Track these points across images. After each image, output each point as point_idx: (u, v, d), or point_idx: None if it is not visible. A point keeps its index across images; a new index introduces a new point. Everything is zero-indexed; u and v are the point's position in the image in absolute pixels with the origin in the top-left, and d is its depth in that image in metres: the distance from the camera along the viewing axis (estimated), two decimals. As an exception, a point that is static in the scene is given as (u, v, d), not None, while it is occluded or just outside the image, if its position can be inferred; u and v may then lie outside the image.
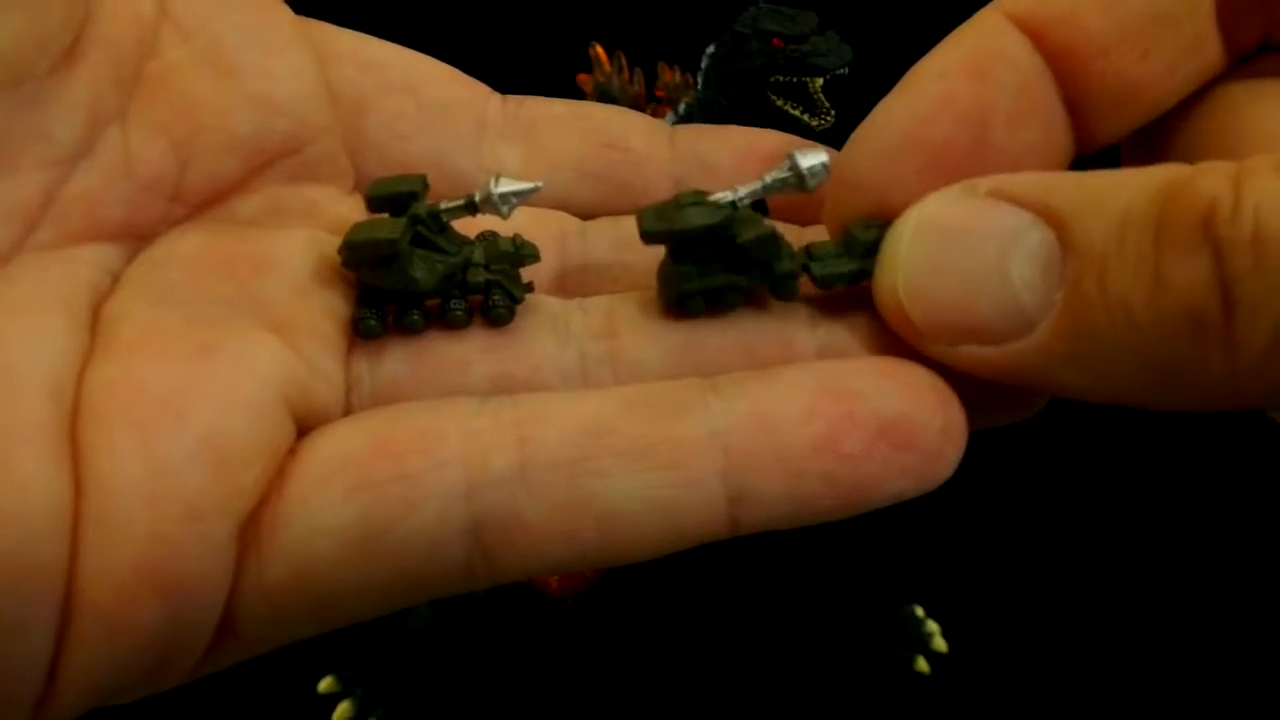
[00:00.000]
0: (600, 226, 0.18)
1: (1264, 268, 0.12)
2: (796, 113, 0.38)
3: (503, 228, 0.17)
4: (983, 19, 0.16)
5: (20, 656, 0.13)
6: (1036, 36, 0.15)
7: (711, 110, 0.40)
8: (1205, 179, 0.13)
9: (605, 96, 0.44)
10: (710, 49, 0.40)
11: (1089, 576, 0.41)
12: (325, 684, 0.38)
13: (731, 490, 0.14)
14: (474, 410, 0.14)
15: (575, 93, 0.44)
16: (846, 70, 0.38)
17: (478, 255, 0.16)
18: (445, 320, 0.16)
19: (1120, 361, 0.13)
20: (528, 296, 0.16)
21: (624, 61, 0.44)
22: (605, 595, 0.39)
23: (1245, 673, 0.38)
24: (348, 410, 0.15)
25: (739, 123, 0.42)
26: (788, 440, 0.14)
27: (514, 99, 0.19)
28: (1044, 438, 0.44)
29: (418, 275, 0.15)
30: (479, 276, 0.16)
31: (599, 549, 0.14)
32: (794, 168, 0.16)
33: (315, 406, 0.14)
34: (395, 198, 0.16)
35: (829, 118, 0.38)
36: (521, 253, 0.16)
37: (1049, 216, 0.14)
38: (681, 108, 0.42)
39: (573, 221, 0.18)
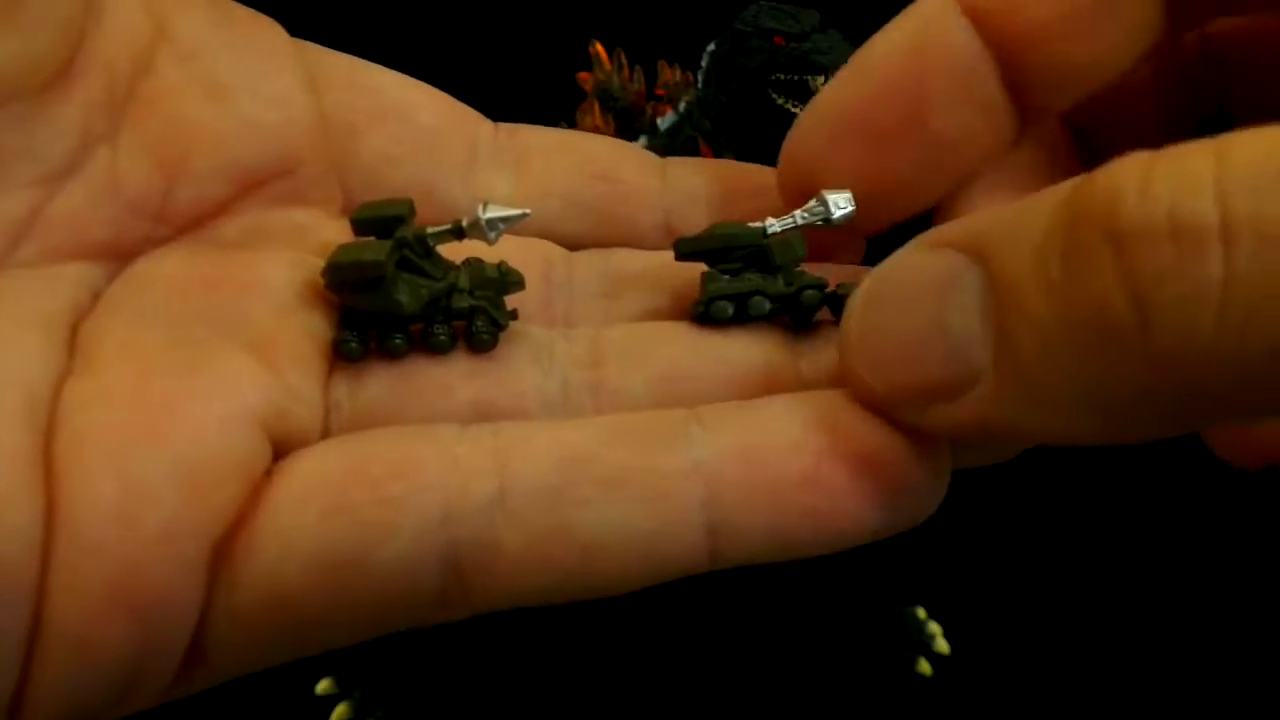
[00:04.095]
0: (587, 257, 0.18)
1: (1187, 260, 0.11)
2: (797, 111, 0.38)
3: (488, 254, 0.17)
4: (928, 2, 0.16)
5: None
6: (979, 21, 0.15)
7: (712, 108, 0.40)
8: (1107, 172, 0.12)
9: (605, 94, 0.43)
10: (711, 47, 0.40)
11: (1091, 578, 0.40)
12: (323, 685, 0.38)
13: (712, 523, 0.14)
14: (454, 437, 0.14)
15: (575, 91, 0.44)
16: (847, 68, 0.37)
17: (462, 281, 0.16)
18: (428, 345, 0.16)
19: (1056, 396, 0.13)
20: (511, 324, 0.16)
21: (624, 59, 0.44)
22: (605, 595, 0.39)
23: (1245, 673, 0.38)
24: (326, 433, 0.15)
25: (740, 120, 0.43)
26: (772, 473, 0.14)
27: (506, 127, 0.19)
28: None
29: (402, 299, 0.15)
30: (463, 302, 0.16)
31: (577, 579, 0.14)
32: (823, 206, 0.16)
33: (292, 429, 0.14)
34: (381, 221, 0.16)
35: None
36: (507, 280, 0.16)
37: (976, 254, 0.13)
38: (682, 105, 0.42)
39: (559, 251, 0.18)
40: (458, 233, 0.16)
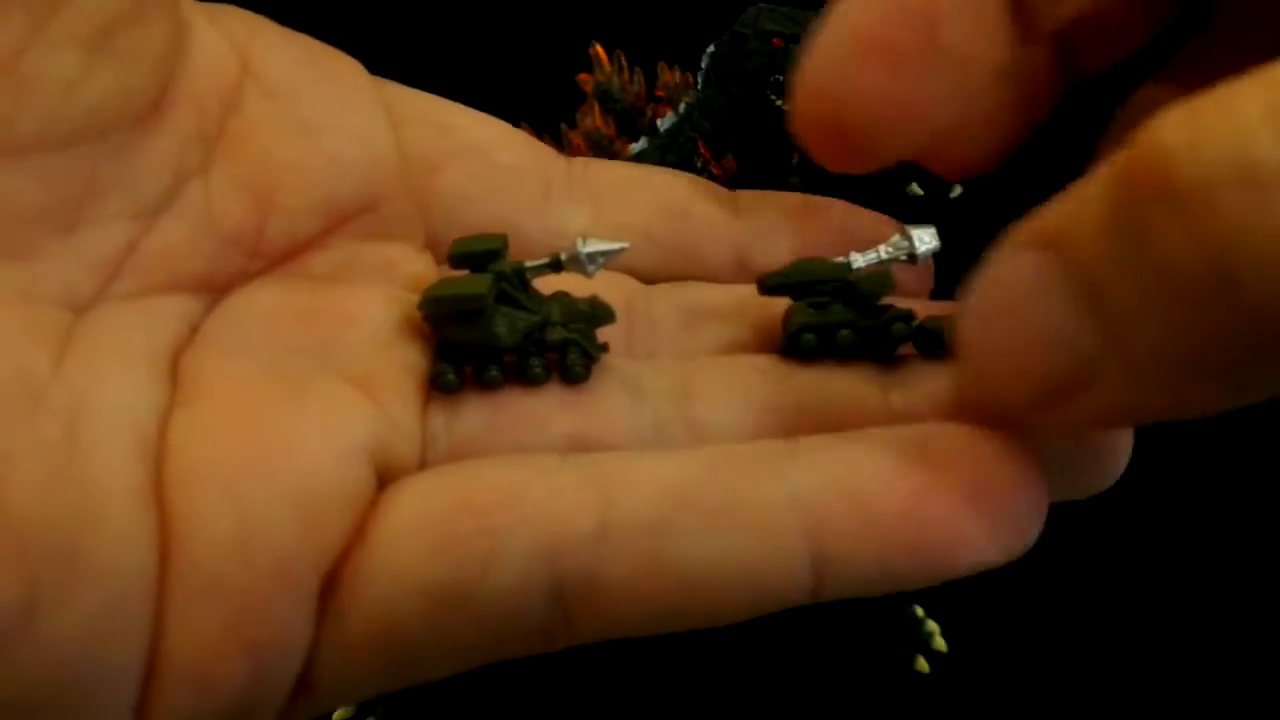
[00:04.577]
0: (665, 291, 0.19)
1: (1252, 205, 0.10)
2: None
3: (574, 288, 0.17)
4: None
5: (104, 717, 0.13)
6: None
7: (711, 109, 0.40)
8: (1154, 132, 0.11)
9: (606, 96, 0.44)
10: (710, 48, 0.40)
11: (1089, 576, 0.41)
12: (325, 683, 0.38)
13: (817, 555, 0.14)
14: (555, 467, 0.14)
15: (576, 92, 0.44)
16: (846, 70, 0.38)
17: (556, 314, 0.16)
18: (524, 377, 0.16)
19: (1167, 371, 0.12)
20: (602, 356, 0.16)
21: (624, 61, 0.44)
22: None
23: (1245, 673, 0.38)
24: (423, 465, 0.15)
25: (740, 122, 0.43)
26: (873, 505, 0.14)
27: (579, 162, 0.20)
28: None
29: (500, 331, 0.16)
30: (557, 335, 0.16)
31: (680, 612, 0.14)
32: (908, 242, 0.17)
33: (394, 461, 0.14)
34: (477, 255, 0.16)
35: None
36: (598, 313, 0.16)
37: (1053, 249, 0.13)
38: (682, 107, 0.42)
39: (637, 285, 0.19)
40: (555, 266, 0.16)
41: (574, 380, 0.16)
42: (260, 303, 0.16)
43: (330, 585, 0.14)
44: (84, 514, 0.12)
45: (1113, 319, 0.12)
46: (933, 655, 0.40)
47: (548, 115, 0.45)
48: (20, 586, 0.12)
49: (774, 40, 0.38)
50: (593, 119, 0.45)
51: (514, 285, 0.16)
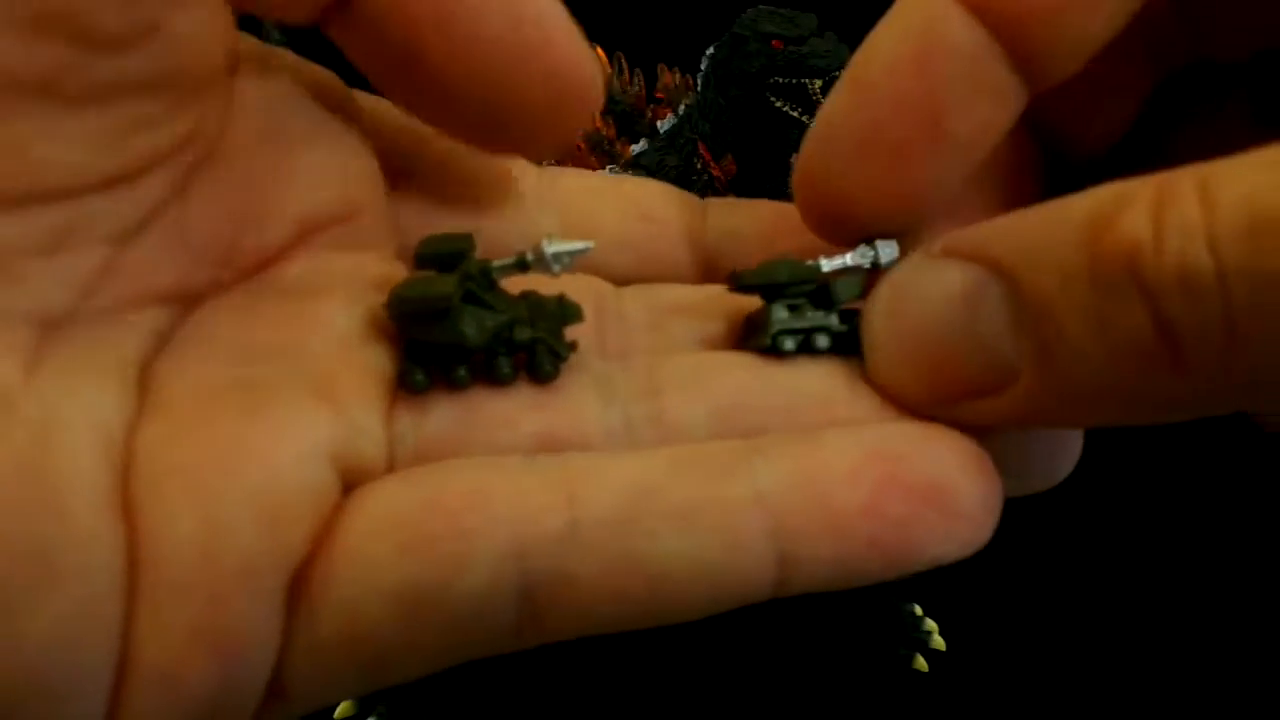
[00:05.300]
0: (635, 292, 0.19)
1: (1197, 304, 0.12)
2: (796, 114, 0.39)
3: (542, 288, 0.17)
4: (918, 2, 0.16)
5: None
6: (980, 9, 0.15)
7: (711, 111, 0.41)
8: (1125, 217, 0.13)
9: (606, 98, 0.44)
10: (710, 50, 0.41)
11: (1087, 575, 0.41)
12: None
13: (780, 553, 0.14)
14: (522, 468, 0.14)
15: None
16: (845, 72, 0.38)
17: (524, 313, 0.16)
18: (492, 377, 0.16)
19: (1095, 397, 0.14)
20: (571, 355, 0.16)
21: (624, 63, 0.44)
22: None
23: (1245, 672, 0.38)
24: (391, 466, 0.15)
25: (739, 123, 0.43)
26: (834, 503, 0.14)
27: (549, 171, 0.20)
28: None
29: (467, 331, 0.15)
30: (525, 334, 0.16)
31: (647, 609, 0.14)
32: (873, 250, 0.17)
33: (360, 463, 0.14)
34: (445, 256, 0.16)
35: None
36: (566, 312, 0.16)
37: (998, 271, 0.14)
38: (681, 109, 0.42)
39: (608, 286, 0.19)
40: (522, 266, 0.16)
41: (542, 379, 0.16)
42: (228, 313, 0.16)
43: (298, 587, 0.13)
44: (53, 518, 0.13)
45: (1050, 346, 0.14)
46: (931, 654, 0.40)
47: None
48: None
49: (773, 42, 0.38)
50: (593, 120, 0.45)
51: (481, 285, 0.16)
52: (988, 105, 0.16)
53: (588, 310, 0.17)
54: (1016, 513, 0.45)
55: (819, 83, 0.38)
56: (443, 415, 0.15)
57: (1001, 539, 0.42)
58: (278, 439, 0.14)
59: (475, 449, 0.15)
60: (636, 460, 0.15)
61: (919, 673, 0.39)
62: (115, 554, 0.13)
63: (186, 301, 0.16)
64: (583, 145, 0.44)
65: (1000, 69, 0.15)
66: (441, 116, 0.17)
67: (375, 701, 0.38)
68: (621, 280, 0.19)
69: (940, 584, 0.41)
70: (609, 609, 0.14)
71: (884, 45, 0.16)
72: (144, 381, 0.14)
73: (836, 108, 0.16)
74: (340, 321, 0.16)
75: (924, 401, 0.15)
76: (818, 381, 0.16)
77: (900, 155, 0.16)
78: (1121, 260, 0.13)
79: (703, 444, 0.15)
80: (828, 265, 0.17)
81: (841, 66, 0.39)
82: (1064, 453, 0.17)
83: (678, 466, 0.14)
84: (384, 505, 0.14)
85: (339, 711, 0.38)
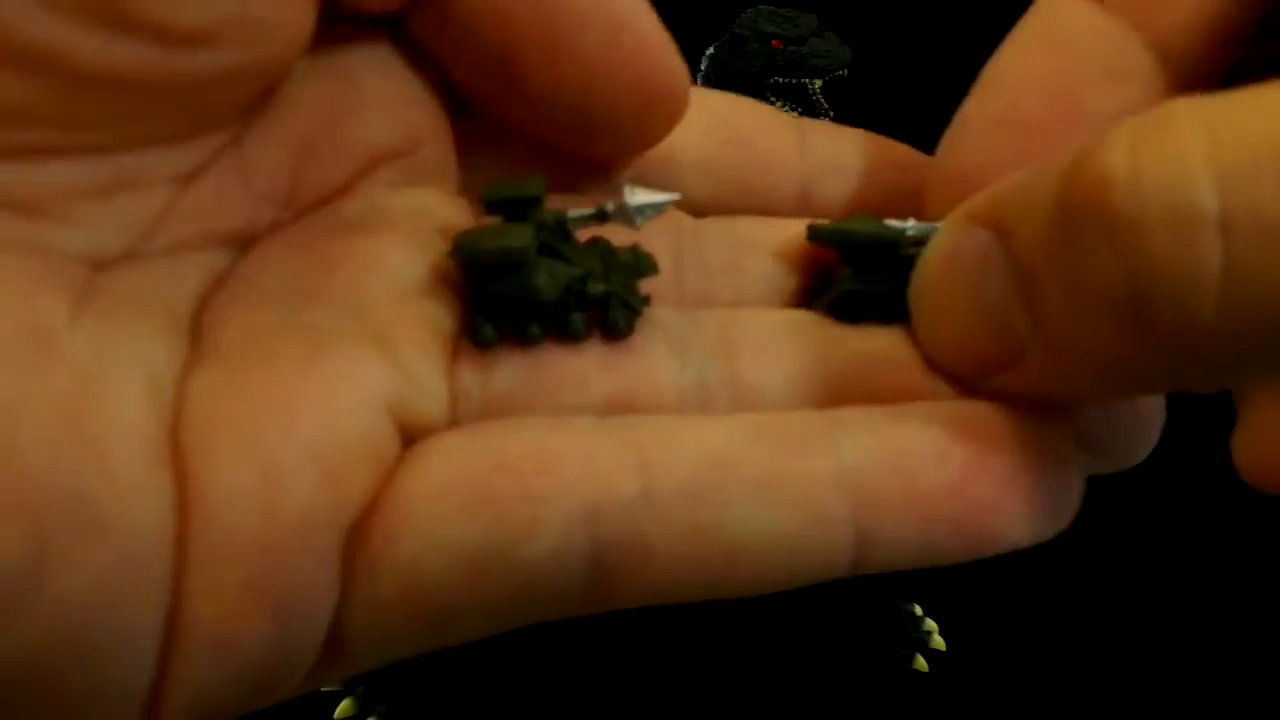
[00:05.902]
0: (715, 226, 0.18)
1: (1183, 249, 0.11)
2: (796, 114, 0.39)
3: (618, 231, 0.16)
4: (1043, 3, 0.16)
5: (121, 681, 0.12)
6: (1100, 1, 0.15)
7: (711, 111, 0.41)
8: (1099, 153, 0.12)
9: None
10: (710, 50, 0.41)
11: (1087, 575, 0.41)
12: (326, 682, 0.38)
13: (860, 529, 0.14)
14: (594, 429, 0.14)
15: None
16: (845, 72, 0.38)
17: (598, 266, 0.15)
18: (563, 333, 0.15)
19: (1077, 365, 0.13)
20: (645, 309, 0.16)
21: (624, 63, 0.44)
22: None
23: (1245, 671, 0.38)
24: (455, 422, 0.15)
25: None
26: (920, 482, 0.14)
27: None
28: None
29: (541, 285, 0.15)
30: (598, 288, 0.15)
31: (721, 580, 0.14)
32: None
33: (417, 417, 0.14)
34: (514, 202, 0.15)
35: (828, 118, 0.39)
36: (641, 265, 0.16)
37: (998, 230, 0.14)
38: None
39: (688, 220, 0.18)
40: (601, 217, 0.15)
41: (616, 336, 0.15)
42: (283, 253, 0.15)
43: (356, 542, 0.13)
44: (95, 466, 0.12)
45: (1040, 312, 0.13)
46: (931, 654, 0.40)
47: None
48: (28, 540, 0.12)
49: (773, 42, 0.38)
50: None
51: (555, 236, 0.15)
52: (1131, 86, 0.15)
53: (665, 250, 0.16)
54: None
55: (819, 83, 0.38)
56: (510, 372, 0.15)
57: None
58: (334, 388, 0.13)
59: (543, 408, 0.15)
60: (714, 426, 0.14)
61: (919, 673, 0.39)
62: (163, 507, 0.12)
63: (246, 242, 0.15)
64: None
65: (1131, 49, 0.15)
66: (528, 117, 0.16)
67: (375, 701, 0.38)
68: (704, 209, 0.18)
69: (940, 584, 0.41)
70: (683, 578, 0.14)
71: (1013, 42, 0.16)
72: (197, 325, 0.14)
73: (973, 99, 0.16)
74: (400, 267, 0.15)
75: (957, 375, 0.15)
76: (894, 349, 0.15)
77: (1037, 133, 0.15)
78: (1088, 199, 0.12)
79: (782, 413, 0.15)
80: (912, 226, 0.16)
81: (842, 66, 0.39)
82: (1145, 428, 0.16)
83: (757, 435, 0.14)
84: (449, 461, 0.14)
85: (339, 712, 0.38)
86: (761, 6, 0.39)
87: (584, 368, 0.15)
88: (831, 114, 0.39)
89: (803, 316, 0.16)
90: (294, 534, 0.13)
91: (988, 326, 0.14)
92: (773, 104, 0.39)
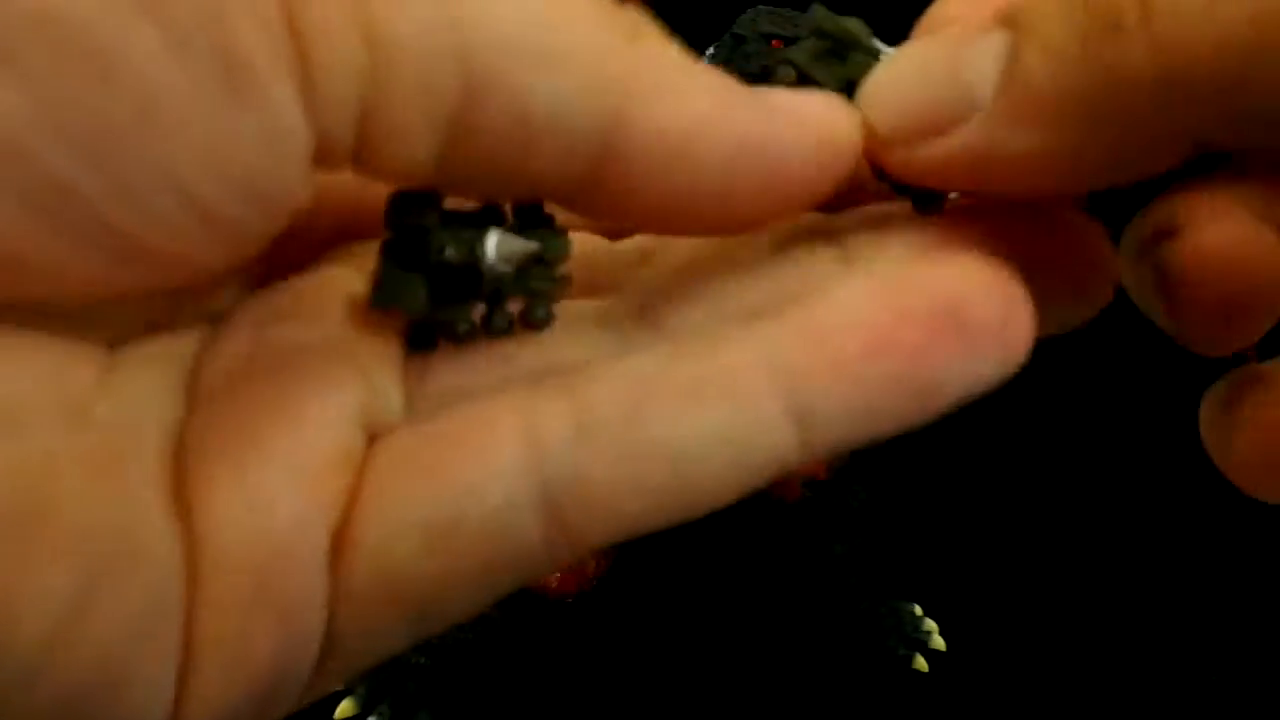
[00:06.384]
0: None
1: None
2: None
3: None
4: None
5: (149, 706, 0.13)
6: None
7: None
8: None
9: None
10: (709, 51, 0.41)
11: (1087, 574, 0.41)
12: (327, 682, 0.38)
13: (795, 410, 0.14)
14: (525, 392, 0.15)
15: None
16: (845, 72, 0.38)
17: (507, 267, 0.16)
18: (489, 331, 0.16)
19: (1056, 108, 0.14)
20: (563, 295, 0.16)
21: (624, 63, 0.44)
22: (604, 594, 0.40)
23: (1245, 670, 0.38)
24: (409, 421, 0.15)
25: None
26: (839, 347, 0.14)
27: None
28: (1042, 434, 0.44)
29: (456, 318, 0.16)
30: (514, 291, 0.16)
31: (674, 496, 0.14)
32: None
33: (381, 424, 0.15)
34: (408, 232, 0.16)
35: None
36: (551, 249, 0.16)
37: (1004, 18, 0.14)
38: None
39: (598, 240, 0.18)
40: (472, 271, 0.16)
41: (537, 327, 0.16)
42: (254, 306, 0.16)
43: (338, 544, 0.14)
44: (126, 507, 0.13)
45: (1024, 61, 0.14)
46: (931, 654, 0.40)
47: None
48: (75, 577, 0.12)
49: (773, 42, 0.38)
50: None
51: (459, 251, 0.16)
52: None
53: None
54: (1015, 511, 0.45)
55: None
56: (448, 368, 0.16)
57: (1000, 538, 0.42)
58: (308, 408, 0.14)
59: (482, 392, 0.15)
60: (635, 356, 0.14)
61: (919, 673, 0.39)
62: (175, 537, 0.13)
63: (218, 319, 0.16)
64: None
65: None
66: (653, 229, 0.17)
67: (375, 701, 0.38)
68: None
69: (940, 584, 0.41)
70: (634, 502, 0.14)
71: None
72: (194, 377, 0.15)
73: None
74: (355, 284, 0.16)
75: (885, 139, 0.15)
76: (804, 267, 0.16)
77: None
78: None
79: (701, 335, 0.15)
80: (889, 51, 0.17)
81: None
82: (1095, 277, 0.16)
83: (678, 351, 0.14)
84: (396, 449, 0.14)
85: (339, 712, 0.38)
86: (761, 7, 0.39)
87: (512, 347, 0.16)
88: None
89: (716, 249, 0.17)
90: (286, 545, 0.13)
91: (948, 88, 0.15)
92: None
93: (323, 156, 0.13)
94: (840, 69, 0.17)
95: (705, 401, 0.14)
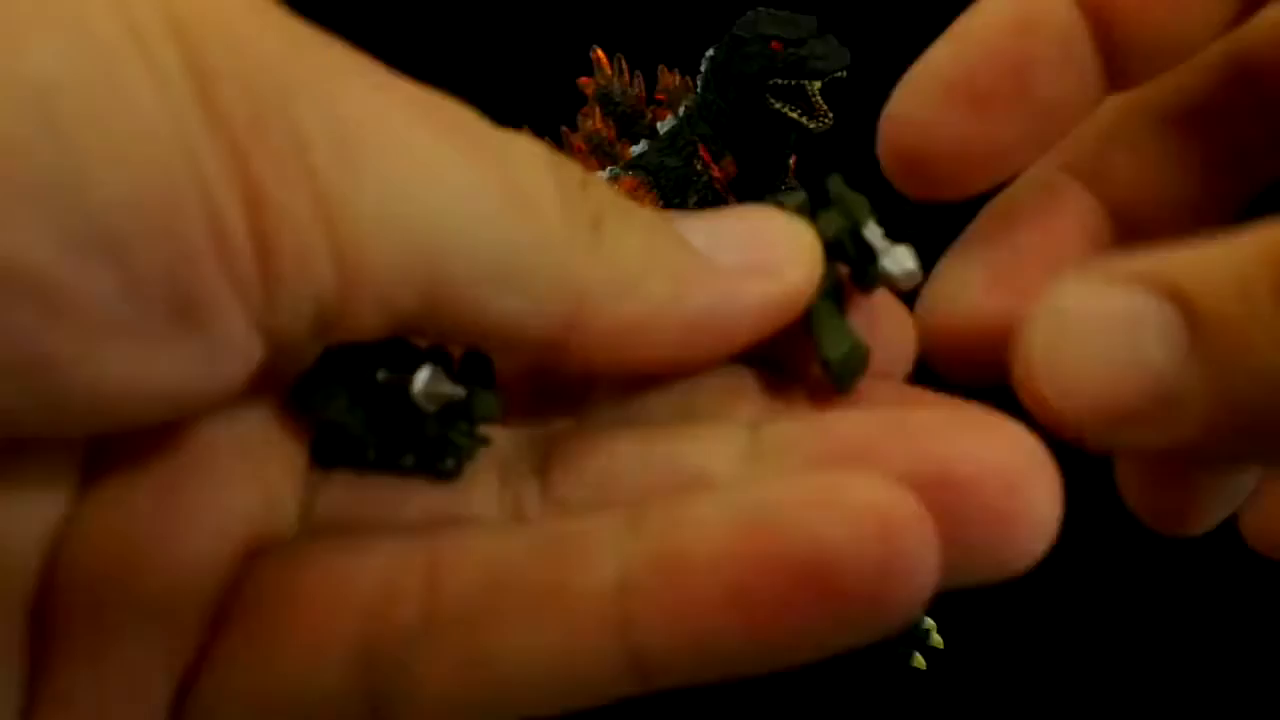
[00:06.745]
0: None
1: None
2: (795, 115, 0.39)
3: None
4: None
5: None
6: None
7: (711, 112, 0.41)
8: None
9: (606, 99, 0.44)
10: (710, 52, 0.41)
11: (1086, 573, 0.41)
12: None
13: (631, 650, 0.13)
14: (393, 550, 0.14)
15: (577, 95, 0.45)
16: (844, 73, 0.38)
17: (431, 406, 0.15)
18: (394, 465, 0.16)
19: (1268, 426, 0.14)
20: (480, 450, 0.16)
21: (624, 64, 0.44)
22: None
23: (1244, 669, 0.38)
24: (302, 532, 0.15)
25: (739, 125, 0.43)
26: (690, 588, 0.13)
27: None
28: (1041, 433, 0.44)
29: (370, 453, 0.16)
30: (433, 430, 0.16)
31: (498, 707, 0.13)
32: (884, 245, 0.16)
33: (271, 535, 0.15)
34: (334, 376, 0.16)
35: (827, 120, 0.39)
36: (477, 410, 0.16)
37: (1169, 293, 0.14)
38: (681, 110, 0.43)
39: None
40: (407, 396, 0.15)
41: (443, 479, 0.16)
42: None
43: (185, 690, 0.14)
44: None
45: (1228, 367, 0.14)
46: (930, 652, 0.40)
47: (549, 118, 0.45)
48: None
49: (773, 44, 0.39)
50: (593, 121, 0.45)
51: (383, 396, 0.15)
52: (1074, 82, 0.16)
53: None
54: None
55: (818, 84, 0.38)
56: (340, 491, 0.15)
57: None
58: (186, 527, 0.14)
59: (365, 525, 0.15)
60: (503, 538, 0.14)
61: (918, 671, 0.39)
62: (17, 675, 0.13)
63: None
64: (583, 146, 0.44)
65: (1088, 49, 0.16)
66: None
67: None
68: None
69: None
70: (459, 709, 0.13)
71: (984, 9, 0.17)
72: (90, 458, 0.14)
73: (933, 56, 0.17)
74: (259, 410, 0.15)
75: (1080, 427, 0.15)
76: (707, 449, 0.15)
77: (985, 106, 0.16)
78: None
79: (583, 518, 0.14)
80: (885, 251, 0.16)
81: (841, 68, 0.40)
82: (1030, 539, 0.15)
83: (543, 547, 0.13)
84: (262, 589, 0.14)
85: None
86: (761, 8, 0.40)
87: (405, 487, 0.15)
88: (831, 115, 0.39)
89: (612, 426, 0.16)
90: (125, 689, 0.14)
91: (1141, 381, 0.14)
92: (772, 105, 0.40)
93: (271, 350, 0.13)
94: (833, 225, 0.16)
95: (545, 622, 0.13)
